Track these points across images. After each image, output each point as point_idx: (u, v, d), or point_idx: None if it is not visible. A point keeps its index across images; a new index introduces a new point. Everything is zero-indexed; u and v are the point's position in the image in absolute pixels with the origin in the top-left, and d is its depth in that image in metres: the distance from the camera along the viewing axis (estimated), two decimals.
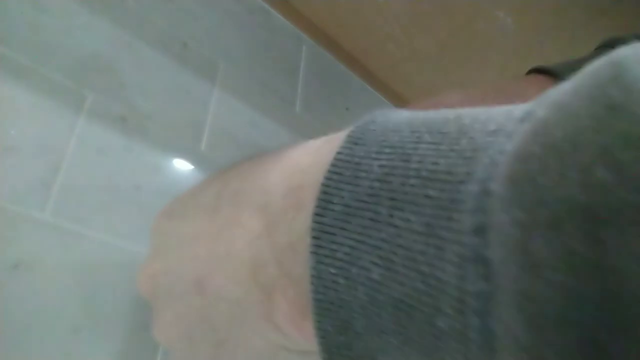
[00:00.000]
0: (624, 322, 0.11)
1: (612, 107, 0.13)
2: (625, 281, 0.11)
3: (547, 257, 0.12)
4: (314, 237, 0.19)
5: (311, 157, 0.24)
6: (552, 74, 0.45)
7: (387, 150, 0.19)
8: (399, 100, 0.88)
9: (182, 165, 0.52)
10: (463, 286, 0.15)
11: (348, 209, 0.19)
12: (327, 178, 0.20)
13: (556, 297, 0.12)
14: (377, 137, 0.20)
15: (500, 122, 0.17)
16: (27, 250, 0.39)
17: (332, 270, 0.19)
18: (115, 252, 0.44)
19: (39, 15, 0.45)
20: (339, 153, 0.21)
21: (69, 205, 0.42)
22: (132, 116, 0.49)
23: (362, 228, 0.18)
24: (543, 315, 0.12)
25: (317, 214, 0.20)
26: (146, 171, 0.49)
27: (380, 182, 0.18)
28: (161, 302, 0.29)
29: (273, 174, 0.26)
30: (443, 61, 0.80)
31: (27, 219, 0.40)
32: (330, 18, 0.75)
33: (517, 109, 0.17)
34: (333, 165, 0.20)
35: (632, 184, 0.11)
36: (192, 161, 0.53)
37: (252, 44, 0.65)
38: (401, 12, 0.72)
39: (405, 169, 0.18)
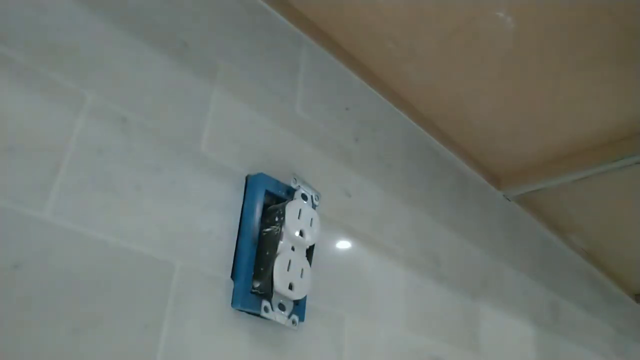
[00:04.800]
0: None
1: None
2: None
3: None
4: None
5: None
6: None
7: None
8: (399, 100, 0.88)
9: (182, 165, 0.52)
10: None
11: None
12: None
13: None
14: None
15: None
16: (27, 250, 0.39)
17: None
18: (116, 252, 0.44)
19: (39, 15, 0.45)
20: None
21: (69, 205, 0.42)
22: (132, 116, 0.49)
23: None
24: None
25: None
26: (146, 171, 0.49)
27: None
28: None
29: None
30: (443, 61, 0.80)
31: (27, 219, 0.40)
32: (330, 18, 0.75)
33: None
34: None
35: None
36: (192, 161, 0.53)
37: (252, 44, 0.65)
38: (401, 12, 0.72)
39: None
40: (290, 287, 0.53)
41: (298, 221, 0.56)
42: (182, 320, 0.47)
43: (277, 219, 0.55)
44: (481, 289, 0.94)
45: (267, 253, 0.53)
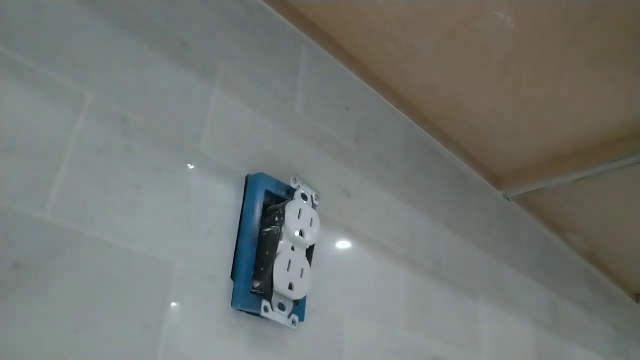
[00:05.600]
0: None
1: None
2: None
3: None
4: None
5: None
6: None
7: None
8: (399, 100, 0.88)
9: (182, 165, 0.52)
10: None
11: None
12: None
13: None
14: None
15: None
16: (27, 250, 0.39)
17: None
18: (115, 252, 0.44)
19: (39, 15, 0.45)
20: None
21: (69, 205, 0.42)
22: (132, 116, 0.49)
23: None
24: None
25: None
26: (146, 171, 0.49)
27: None
28: None
29: None
30: (443, 61, 0.80)
31: (27, 219, 0.40)
32: (330, 18, 0.75)
33: None
34: None
35: None
36: (192, 161, 0.53)
37: (252, 44, 0.65)
38: (401, 12, 0.72)
39: None
40: (290, 287, 0.53)
41: (298, 221, 0.56)
42: (182, 321, 0.47)
43: (277, 219, 0.55)
44: (481, 289, 0.94)
45: (267, 253, 0.53)
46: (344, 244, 0.68)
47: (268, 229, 0.55)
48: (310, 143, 0.68)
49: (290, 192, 0.59)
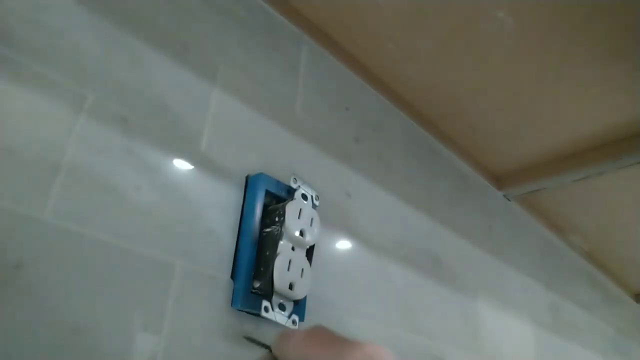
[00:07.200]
0: None
1: None
2: None
3: None
4: None
5: None
6: None
7: None
8: (399, 100, 0.88)
9: (182, 165, 0.52)
10: None
11: None
12: None
13: None
14: None
15: None
16: (27, 250, 0.39)
17: None
18: (116, 252, 0.44)
19: (39, 15, 0.45)
20: None
21: (69, 205, 0.42)
22: (132, 116, 0.49)
23: None
24: None
25: None
26: (146, 171, 0.49)
27: None
28: None
29: None
30: (443, 61, 0.80)
31: (27, 219, 0.40)
32: (330, 18, 0.75)
33: None
34: None
35: None
36: (192, 161, 0.53)
37: (252, 44, 0.65)
38: (401, 12, 0.72)
39: None
40: (291, 287, 0.53)
41: (298, 221, 0.56)
42: (182, 321, 0.47)
43: (277, 219, 0.55)
44: (481, 289, 0.94)
45: (267, 253, 0.54)
46: (344, 244, 0.68)
47: (268, 229, 0.55)
48: (310, 143, 0.68)
49: (290, 192, 0.59)
